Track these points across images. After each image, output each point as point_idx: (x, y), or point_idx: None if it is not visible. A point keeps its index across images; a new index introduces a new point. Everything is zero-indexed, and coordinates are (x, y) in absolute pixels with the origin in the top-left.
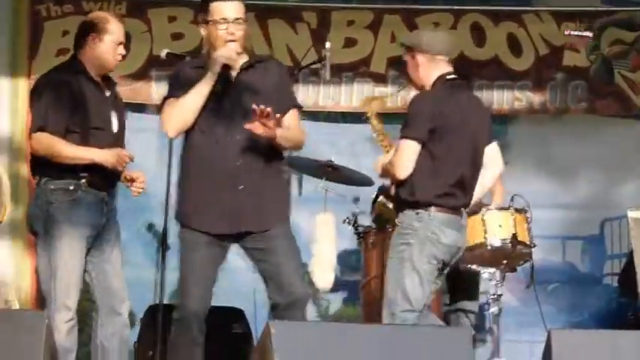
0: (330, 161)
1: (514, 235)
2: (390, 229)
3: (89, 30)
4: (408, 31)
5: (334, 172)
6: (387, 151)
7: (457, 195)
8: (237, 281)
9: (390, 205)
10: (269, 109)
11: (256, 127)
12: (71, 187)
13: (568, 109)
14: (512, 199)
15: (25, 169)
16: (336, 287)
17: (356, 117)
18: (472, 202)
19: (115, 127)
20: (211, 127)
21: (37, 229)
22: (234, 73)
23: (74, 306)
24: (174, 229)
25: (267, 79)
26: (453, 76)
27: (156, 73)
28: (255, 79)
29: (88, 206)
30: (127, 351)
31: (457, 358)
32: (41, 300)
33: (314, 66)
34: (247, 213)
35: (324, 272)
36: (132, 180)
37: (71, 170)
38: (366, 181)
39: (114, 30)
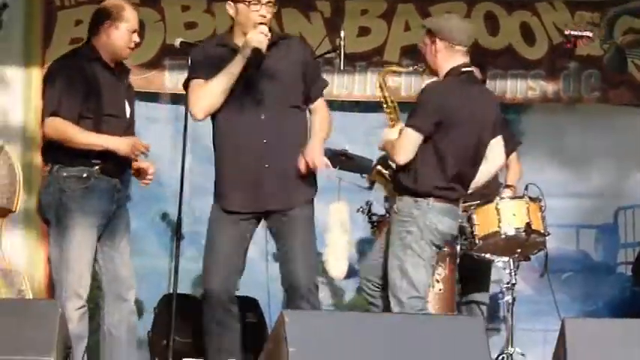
0: (344, 150)
1: (528, 224)
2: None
3: (105, 17)
4: (422, 20)
5: (348, 161)
6: (392, 126)
7: (456, 188)
8: (252, 270)
9: (386, 173)
10: (316, 166)
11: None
12: (84, 175)
13: (581, 98)
14: (526, 188)
15: (38, 159)
16: (350, 275)
17: (370, 106)
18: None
19: (127, 115)
20: (237, 107)
21: (49, 218)
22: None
23: (85, 294)
24: (187, 218)
25: (291, 57)
26: (467, 68)
27: (169, 62)
28: (279, 57)
29: (101, 194)
30: (135, 338)
31: (471, 347)
32: (53, 288)
33: (328, 55)
34: (273, 191)
35: (337, 261)
36: (142, 172)
37: (84, 157)
38: None
39: (129, 17)
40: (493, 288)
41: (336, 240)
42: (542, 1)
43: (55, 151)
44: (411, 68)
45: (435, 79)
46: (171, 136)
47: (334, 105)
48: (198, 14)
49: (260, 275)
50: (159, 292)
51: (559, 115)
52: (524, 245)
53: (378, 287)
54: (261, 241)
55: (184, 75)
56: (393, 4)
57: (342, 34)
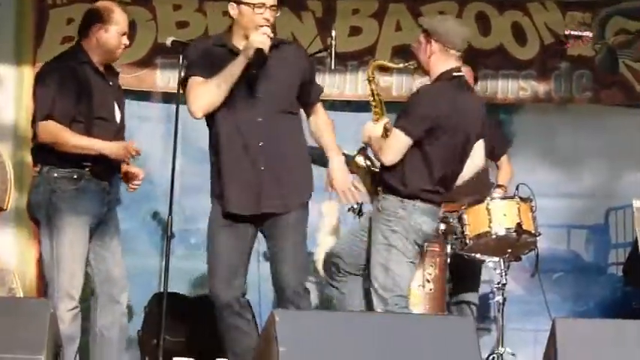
0: None
1: (519, 224)
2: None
3: (94, 20)
4: (413, 20)
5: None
6: (377, 120)
7: (440, 191)
8: None
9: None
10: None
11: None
12: (75, 176)
13: (573, 98)
14: (517, 188)
15: (29, 157)
16: None
17: (361, 105)
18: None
19: (118, 118)
20: (234, 108)
21: (39, 218)
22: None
23: (78, 295)
24: (178, 217)
25: (291, 63)
26: (459, 73)
27: (161, 61)
28: (279, 62)
29: (92, 195)
30: (126, 340)
31: (461, 347)
32: (45, 288)
33: (319, 55)
34: (270, 194)
35: None
36: (131, 176)
37: (75, 159)
38: None
39: (119, 20)
40: (484, 288)
41: (328, 239)
42: (534, 2)
43: (46, 152)
44: (401, 65)
45: (425, 79)
46: (163, 135)
47: (325, 104)
48: (189, 13)
49: (251, 275)
50: (149, 291)
51: (550, 116)
52: (514, 245)
53: (345, 273)
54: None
55: (176, 74)
56: (384, 3)
57: (334, 33)
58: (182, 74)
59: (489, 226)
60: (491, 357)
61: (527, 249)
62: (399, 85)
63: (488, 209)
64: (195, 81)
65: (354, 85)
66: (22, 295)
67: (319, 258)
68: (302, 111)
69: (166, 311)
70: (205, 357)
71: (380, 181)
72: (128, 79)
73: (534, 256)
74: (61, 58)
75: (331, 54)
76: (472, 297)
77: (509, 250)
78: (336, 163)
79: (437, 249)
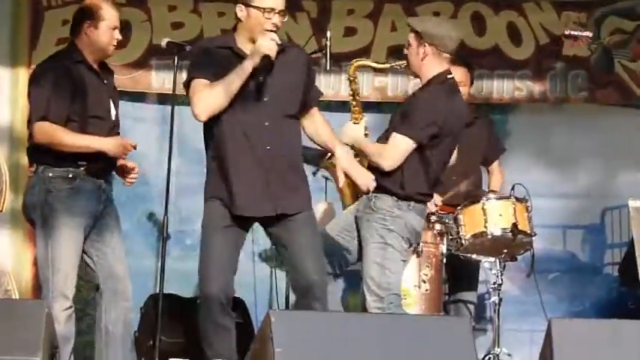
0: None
1: (515, 224)
2: None
3: (83, 18)
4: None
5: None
6: (356, 120)
7: (431, 194)
8: (238, 271)
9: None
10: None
11: None
12: (70, 175)
13: (568, 98)
14: (512, 188)
15: (25, 159)
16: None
17: None
18: None
19: (112, 116)
20: (241, 112)
21: (35, 218)
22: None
23: (72, 295)
24: (174, 218)
25: (296, 67)
26: (450, 75)
27: (156, 62)
28: (285, 66)
29: (87, 194)
30: (130, 336)
31: (457, 347)
32: (40, 289)
33: (314, 55)
34: (279, 196)
35: None
36: (127, 170)
37: (70, 158)
38: None
39: (107, 15)
40: (480, 288)
41: None
42: (529, 2)
43: (42, 152)
44: (388, 65)
45: (416, 80)
46: (158, 137)
47: (321, 105)
48: (184, 14)
49: (246, 276)
50: (145, 292)
51: (546, 116)
52: (510, 246)
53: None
54: (247, 242)
55: (171, 75)
56: (379, 4)
57: (329, 34)
58: (185, 75)
59: (485, 227)
60: (487, 357)
61: (522, 249)
62: (395, 85)
63: (483, 209)
64: (200, 83)
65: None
66: (17, 297)
67: None
68: None
69: (162, 312)
70: (201, 358)
71: (379, 185)
72: (123, 80)
73: (530, 257)
74: (55, 57)
75: (326, 55)
76: (470, 296)
77: (505, 251)
78: (343, 151)
79: (433, 249)
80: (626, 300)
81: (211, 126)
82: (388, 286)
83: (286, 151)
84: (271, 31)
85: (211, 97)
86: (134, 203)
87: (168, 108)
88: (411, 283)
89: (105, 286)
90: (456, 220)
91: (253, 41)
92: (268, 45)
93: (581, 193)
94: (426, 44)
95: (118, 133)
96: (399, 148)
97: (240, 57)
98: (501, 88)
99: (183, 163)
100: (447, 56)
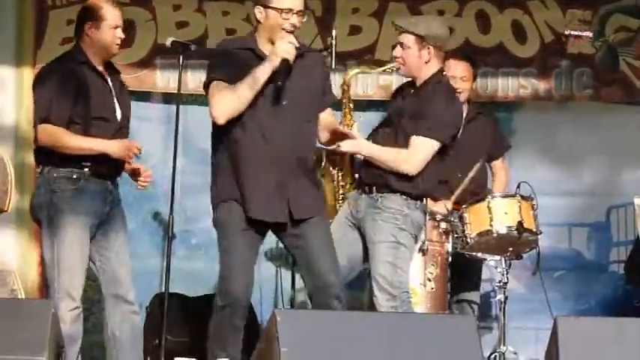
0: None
1: (520, 223)
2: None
3: (85, 18)
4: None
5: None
6: (347, 125)
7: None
8: None
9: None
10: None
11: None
12: (74, 176)
13: (573, 96)
14: (518, 187)
15: (30, 158)
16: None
17: (361, 105)
18: None
19: (118, 117)
20: (259, 116)
21: (41, 218)
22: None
23: (79, 295)
24: (179, 217)
25: (315, 71)
26: (444, 73)
27: (160, 62)
28: (304, 70)
29: (92, 195)
30: (140, 338)
31: (463, 346)
32: (46, 289)
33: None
34: (297, 200)
35: None
36: (137, 172)
37: (75, 159)
38: None
39: (108, 15)
40: (485, 287)
41: None
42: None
43: (47, 153)
44: (380, 69)
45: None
46: (163, 136)
47: None
48: (189, 13)
49: None
50: (151, 292)
51: (551, 114)
52: (516, 244)
53: None
54: None
55: (176, 74)
56: (384, 2)
57: (334, 32)
58: (205, 76)
59: (490, 225)
60: (493, 356)
61: (528, 247)
62: (399, 84)
63: (489, 208)
64: (219, 85)
65: (354, 85)
66: (23, 296)
67: None
68: None
69: (168, 311)
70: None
71: (381, 182)
72: (128, 79)
73: (535, 255)
74: (59, 59)
75: (331, 53)
76: (473, 296)
77: (511, 249)
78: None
79: (438, 248)
80: (631, 298)
81: (226, 127)
82: (400, 285)
83: (302, 154)
84: (289, 31)
85: (229, 99)
86: (139, 203)
87: (173, 107)
88: (417, 281)
89: (107, 291)
90: (461, 218)
91: (273, 42)
92: (286, 48)
93: (586, 191)
94: (430, 46)
95: (125, 134)
96: (424, 152)
97: (262, 58)
98: (506, 86)
99: (189, 162)
100: (442, 54)
